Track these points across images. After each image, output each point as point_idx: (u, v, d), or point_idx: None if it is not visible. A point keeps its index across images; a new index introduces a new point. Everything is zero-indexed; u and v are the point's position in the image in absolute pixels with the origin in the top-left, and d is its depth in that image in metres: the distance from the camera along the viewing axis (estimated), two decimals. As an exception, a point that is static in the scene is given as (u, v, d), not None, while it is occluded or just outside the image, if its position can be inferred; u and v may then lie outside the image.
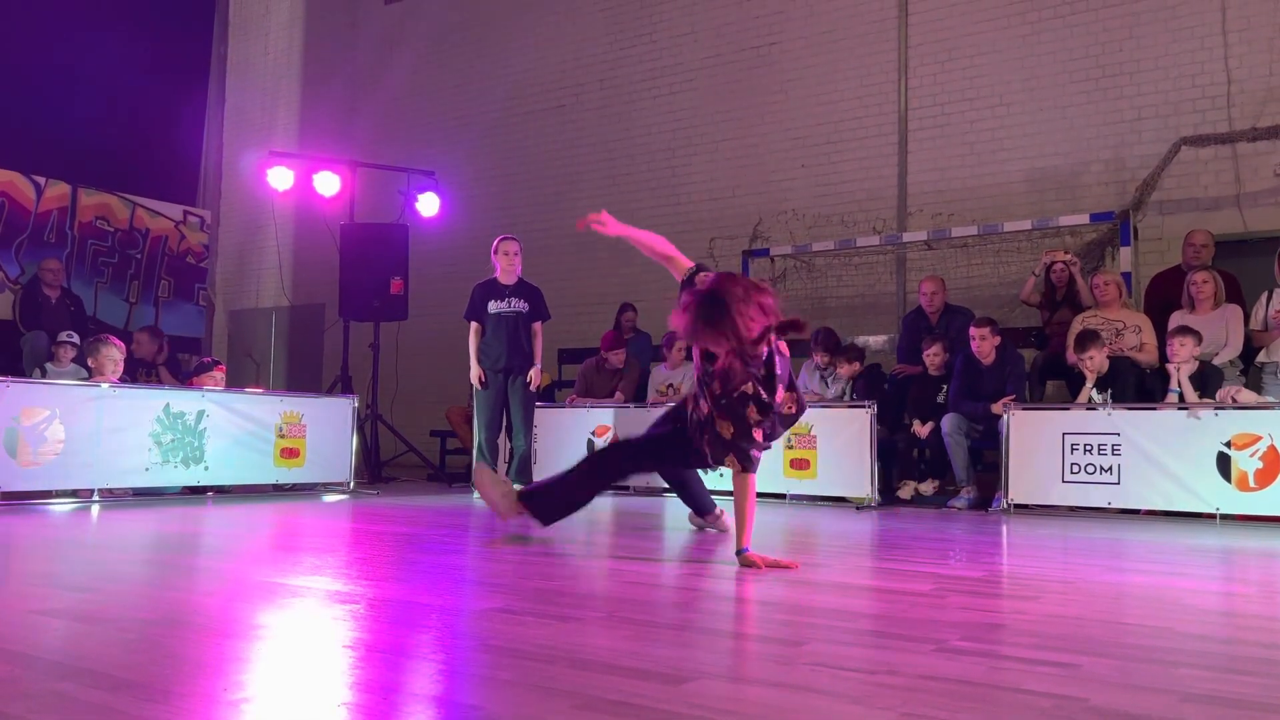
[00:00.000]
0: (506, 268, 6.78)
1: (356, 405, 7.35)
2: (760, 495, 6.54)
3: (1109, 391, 6.03)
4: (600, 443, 7.53)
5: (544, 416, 7.52)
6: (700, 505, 4.51)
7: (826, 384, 7.25)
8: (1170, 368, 5.94)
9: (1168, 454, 5.59)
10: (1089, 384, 6.09)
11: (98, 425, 5.85)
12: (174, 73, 12.48)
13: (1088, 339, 6.12)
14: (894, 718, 1.56)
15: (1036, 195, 8.14)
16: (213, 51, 13.63)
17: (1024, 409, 6.11)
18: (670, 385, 7.89)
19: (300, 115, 12.84)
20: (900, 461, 6.98)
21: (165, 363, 8.15)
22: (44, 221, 10.20)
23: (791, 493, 6.54)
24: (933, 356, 6.75)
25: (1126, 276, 6.99)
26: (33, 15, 10.85)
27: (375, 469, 8.36)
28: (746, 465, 3.45)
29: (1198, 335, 5.96)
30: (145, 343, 8.06)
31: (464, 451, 8.42)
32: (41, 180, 10.20)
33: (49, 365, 7.33)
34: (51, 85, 10.92)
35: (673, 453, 3.82)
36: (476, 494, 4.02)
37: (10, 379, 5.68)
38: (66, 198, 10.41)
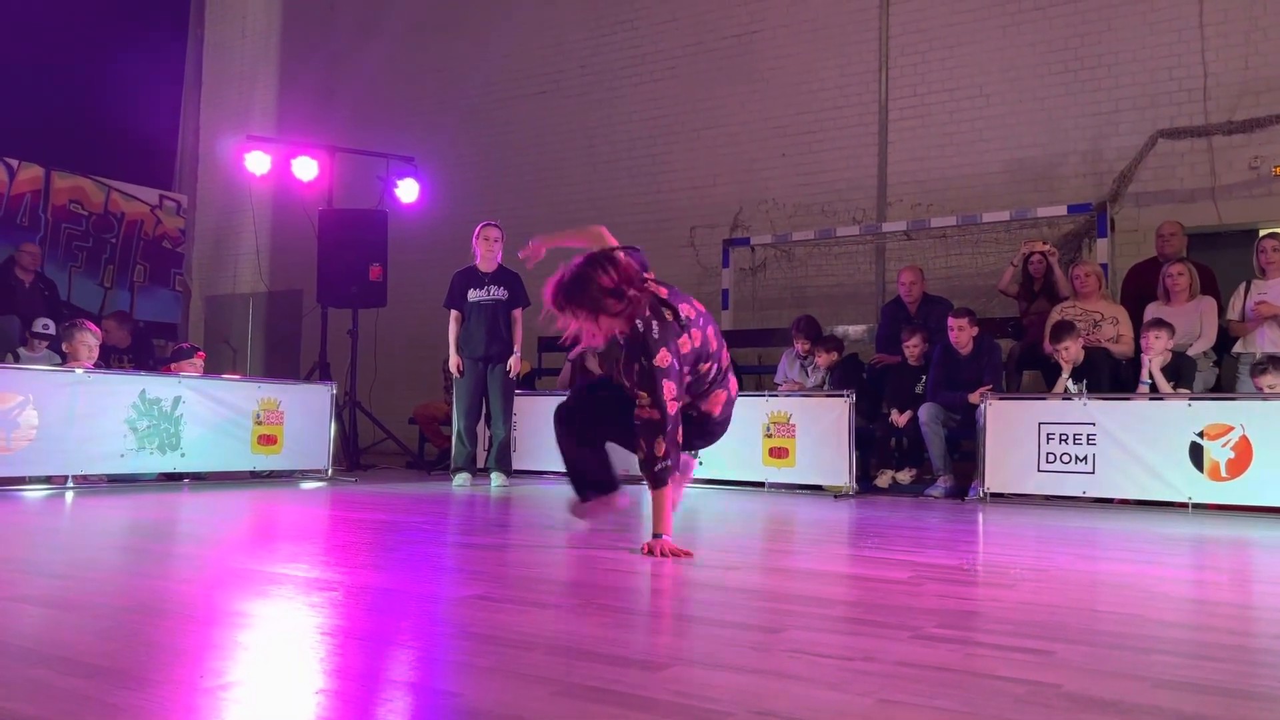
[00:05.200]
0: (487, 254, 6.76)
1: (335, 392, 7.31)
2: (739, 483, 6.61)
3: (1084, 382, 6.09)
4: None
5: (523, 404, 7.51)
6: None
7: (806, 373, 7.28)
8: (1143, 358, 6.01)
9: (1141, 444, 5.65)
10: (1064, 374, 6.15)
11: (72, 411, 5.79)
12: (150, 54, 12.32)
13: (1063, 330, 6.17)
14: (870, 704, 1.58)
15: (1015, 186, 8.18)
16: (189, 33, 13.47)
17: (1001, 399, 6.16)
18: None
19: (278, 99, 12.72)
20: (878, 450, 7.02)
21: (129, 348, 8.08)
22: (17, 204, 10.07)
23: (770, 481, 6.56)
24: (912, 347, 6.79)
25: (1103, 267, 7.05)
26: (5, -5, 10.68)
27: (353, 456, 8.32)
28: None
29: (1171, 328, 6.03)
30: (114, 330, 7.99)
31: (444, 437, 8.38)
32: (14, 163, 10.06)
33: (22, 350, 7.24)
34: (24, 66, 10.76)
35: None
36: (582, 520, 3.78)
37: (-18, 364, 5.61)
38: (40, 180, 10.28)
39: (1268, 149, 7.31)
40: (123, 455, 6.01)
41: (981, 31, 8.40)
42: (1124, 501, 5.78)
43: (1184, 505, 5.53)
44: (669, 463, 3.31)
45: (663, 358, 3.22)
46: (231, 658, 1.85)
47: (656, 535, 3.32)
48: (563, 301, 3.23)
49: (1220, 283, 6.65)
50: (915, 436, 6.59)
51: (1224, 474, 5.44)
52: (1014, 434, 5.99)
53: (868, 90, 8.88)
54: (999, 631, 2.18)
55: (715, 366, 3.47)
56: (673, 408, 3.26)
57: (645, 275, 3.31)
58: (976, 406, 6.19)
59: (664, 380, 3.22)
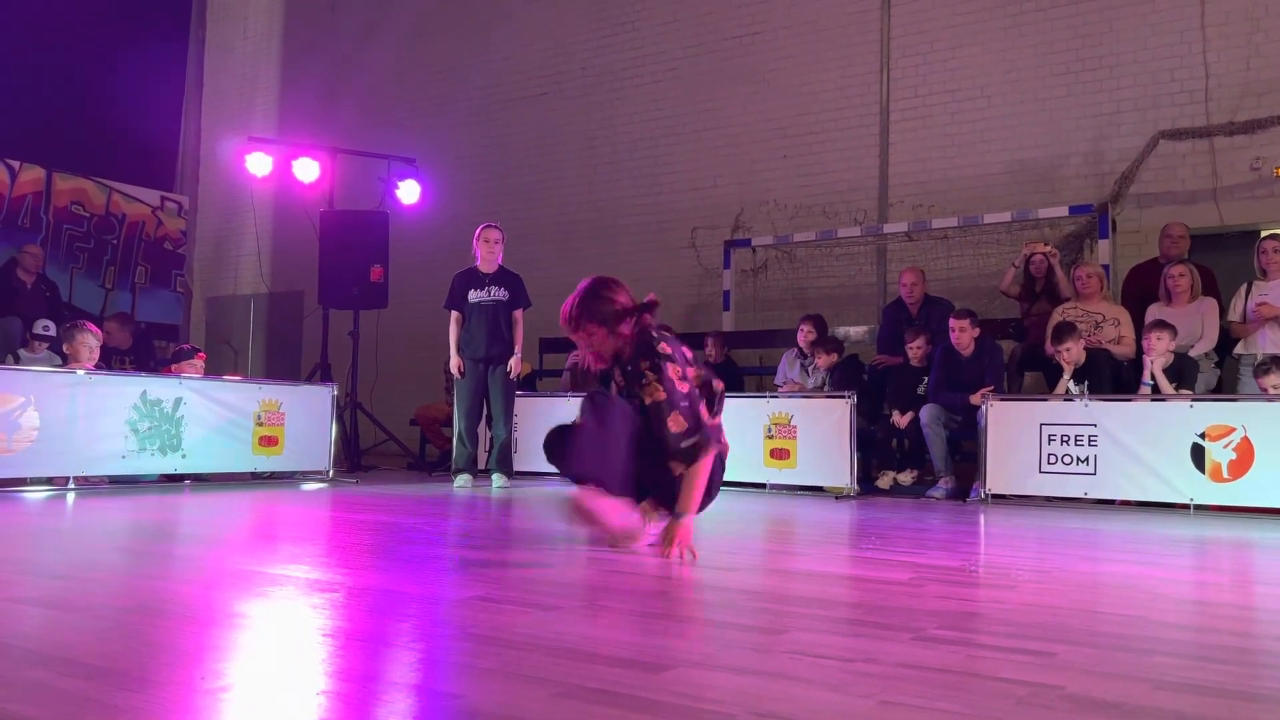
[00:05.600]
0: (487, 256, 6.76)
1: (336, 393, 7.31)
2: (740, 484, 6.60)
3: (1086, 383, 6.09)
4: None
5: (524, 405, 7.51)
6: None
7: (806, 373, 7.28)
8: (1145, 360, 6.01)
9: (1143, 445, 5.65)
10: (1066, 375, 6.14)
11: (73, 412, 5.79)
12: (151, 56, 12.33)
13: (1064, 331, 6.17)
14: (872, 705, 1.58)
15: (1016, 187, 8.18)
16: (190, 35, 13.48)
17: (1002, 400, 6.16)
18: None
19: (279, 100, 12.73)
20: (879, 451, 7.02)
21: (130, 349, 8.10)
22: (18, 206, 10.08)
23: (771, 482, 6.56)
24: (916, 349, 6.79)
25: (1105, 269, 7.05)
26: (6, -3, 10.69)
27: (354, 457, 8.32)
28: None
29: (1173, 330, 6.03)
30: (115, 331, 8.00)
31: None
32: (16, 164, 10.07)
33: (23, 352, 7.25)
34: (25, 68, 10.77)
35: None
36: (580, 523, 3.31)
37: (-16, 365, 5.61)
38: (41, 182, 10.29)
39: (1269, 150, 7.31)
40: (124, 456, 6.01)
41: (983, 33, 8.40)
42: (1125, 503, 5.78)
43: (1185, 506, 5.53)
44: (695, 438, 3.32)
45: (664, 347, 3.39)
46: (232, 659, 1.85)
47: (678, 515, 3.28)
48: (579, 315, 3.43)
49: (1221, 284, 6.65)
50: (916, 438, 6.59)
51: (1225, 475, 5.44)
52: (1015, 435, 5.99)
53: (869, 91, 8.88)
54: (1001, 633, 2.18)
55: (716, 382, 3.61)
56: (684, 386, 3.35)
57: None
58: (978, 408, 6.18)
59: (667, 363, 3.35)
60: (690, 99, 9.75)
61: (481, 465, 7.01)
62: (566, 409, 7.60)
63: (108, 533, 3.90)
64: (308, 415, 6.98)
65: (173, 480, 6.35)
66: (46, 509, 4.72)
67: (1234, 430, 5.44)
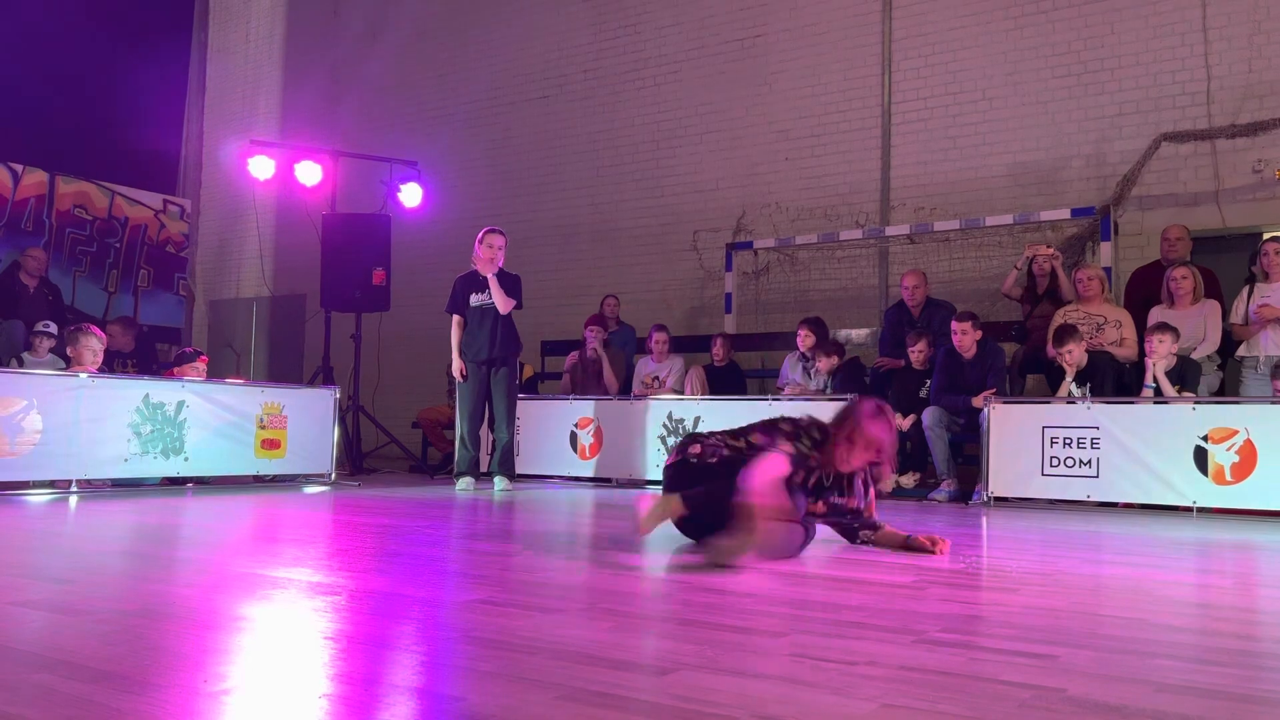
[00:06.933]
0: (488, 260, 6.76)
1: (338, 396, 7.32)
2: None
3: (1088, 385, 6.08)
4: (584, 435, 7.53)
5: (526, 408, 7.51)
6: None
7: (809, 375, 7.28)
8: (1147, 362, 6.00)
9: (1146, 447, 5.64)
10: (1068, 378, 6.14)
11: (76, 415, 5.80)
12: (153, 59, 12.35)
13: (1066, 333, 6.17)
14: (874, 708, 1.58)
15: (1018, 190, 8.18)
16: (193, 38, 13.50)
17: (1004, 402, 6.15)
18: (656, 378, 7.90)
19: (282, 104, 12.74)
20: (881, 454, 7.00)
21: (133, 352, 8.12)
22: (21, 209, 10.10)
23: (773, 485, 6.55)
24: (918, 352, 6.79)
25: (1107, 271, 7.05)
26: (6, 1, 10.71)
27: (357, 460, 8.33)
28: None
29: (1175, 332, 6.02)
30: (118, 335, 8.02)
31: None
32: (19, 168, 10.09)
33: (26, 355, 7.26)
34: (28, 71, 10.78)
35: None
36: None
37: (-13, 368, 5.62)
38: (44, 185, 10.31)
39: (1271, 152, 7.30)
40: (126, 459, 6.02)
41: (984, 35, 8.40)
42: (1128, 505, 5.77)
43: (1188, 509, 5.52)
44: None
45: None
46: (235, 662, 1.86)
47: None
48: (871, 433, 3.50)
49: (1224, 286, 6.65)
50: (919, 440, 6.58)
51: (1228, 478, 5.43)
52: (1018, 438, 5.98)
53: (871, 94, 8.88)
54: (1002, 636, 2.18)
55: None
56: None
57: None
58: (980, 410, 6.18)
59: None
60: (692, 101, 9.76)
61: (484, 468, 7.02)
62: (567, 411, 7.61)
63: (110, 536, 3.90)
64: (310, 418, 6.99)
65: (175, 483, 6.36)
66: (49, 512, 4.73)
67: (1236, 433, 5.44)
